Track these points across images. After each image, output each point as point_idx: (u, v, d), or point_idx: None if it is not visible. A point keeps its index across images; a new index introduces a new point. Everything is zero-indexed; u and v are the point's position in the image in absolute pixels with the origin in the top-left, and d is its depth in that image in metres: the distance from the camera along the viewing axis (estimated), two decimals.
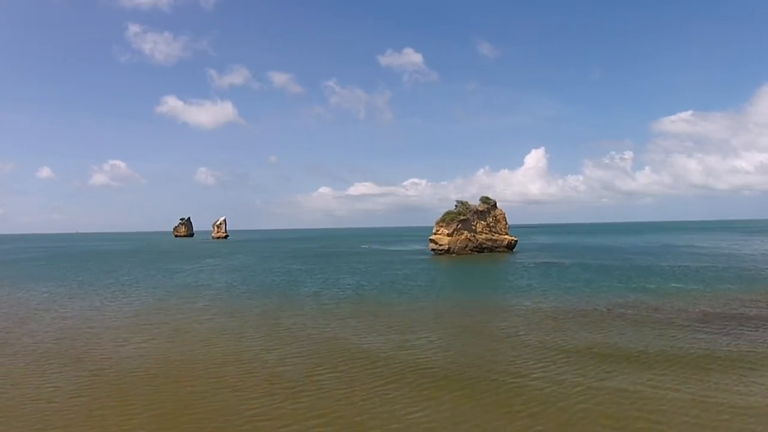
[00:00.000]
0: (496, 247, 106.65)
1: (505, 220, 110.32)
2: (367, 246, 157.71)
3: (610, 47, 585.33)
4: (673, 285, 51.19)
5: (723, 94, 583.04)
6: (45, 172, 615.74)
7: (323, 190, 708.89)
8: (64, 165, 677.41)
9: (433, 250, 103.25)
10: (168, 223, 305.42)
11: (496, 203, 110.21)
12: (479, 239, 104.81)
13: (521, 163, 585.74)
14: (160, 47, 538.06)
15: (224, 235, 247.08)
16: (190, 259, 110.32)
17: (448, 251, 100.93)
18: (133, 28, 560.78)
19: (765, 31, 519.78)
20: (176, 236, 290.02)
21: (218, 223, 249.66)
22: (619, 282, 54.29)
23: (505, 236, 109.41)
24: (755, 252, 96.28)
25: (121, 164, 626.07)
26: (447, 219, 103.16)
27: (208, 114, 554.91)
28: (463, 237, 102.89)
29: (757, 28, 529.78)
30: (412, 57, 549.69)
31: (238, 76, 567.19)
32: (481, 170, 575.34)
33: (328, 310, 40.95)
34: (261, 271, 75.86)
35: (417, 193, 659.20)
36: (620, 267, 71.30)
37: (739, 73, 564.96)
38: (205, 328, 35.39)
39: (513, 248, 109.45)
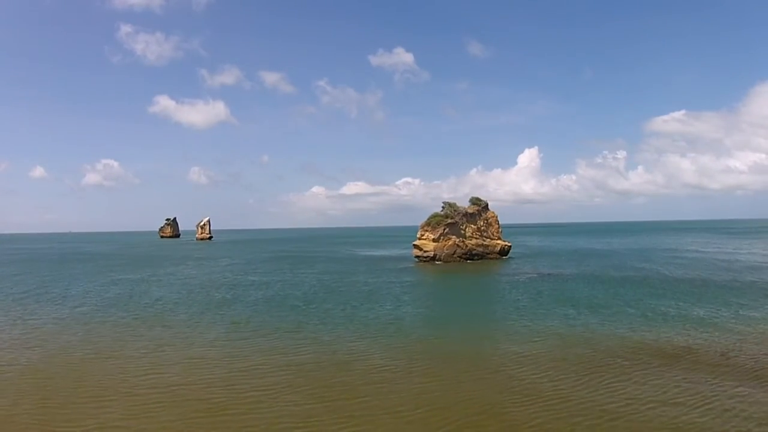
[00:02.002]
0: (488, 254, 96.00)
1: (498, 224, 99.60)
2: (349, 249, 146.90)
3: (602, 47, 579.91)
4: (697, 312, 40.35)
5: (716, 94, 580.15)
6: (38, 171, 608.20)
7: (316, 189, 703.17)
8: (57, 164, 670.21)
9: (417, 257, 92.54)
10: (161, 222, 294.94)
11: (487, 204, 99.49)
12: (469, 245, 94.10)
13: (514, 163, 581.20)
14: (151, 47, 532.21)
15: (208, 236, 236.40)
16: (151, 265, 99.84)
17: (433, 258, 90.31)
18: (125, 29, 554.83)
19: (758, 31, 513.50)
20: (162, 237, 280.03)
21: (202, 224, 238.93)
22: (629, 305, 43.58)
23: (498, 241, 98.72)
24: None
25: (114, 163, 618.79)
26: (433, 222, 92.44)
27: (200, 114, 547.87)
28: (450, 242, 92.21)
29: (750, 28, 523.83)
30: (403, 57, 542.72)
31: (229, 76, 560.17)
32: (474, 170, 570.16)
33: (223, 358, 30.02)
34: (209, 284, 65.22)
35: (410, 193, 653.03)
36: (625, 281, 60.59)
37: (732, 73, 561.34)
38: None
39: (506, 254, 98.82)
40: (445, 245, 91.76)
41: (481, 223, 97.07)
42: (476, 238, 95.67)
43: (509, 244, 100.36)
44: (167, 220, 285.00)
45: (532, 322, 37.21)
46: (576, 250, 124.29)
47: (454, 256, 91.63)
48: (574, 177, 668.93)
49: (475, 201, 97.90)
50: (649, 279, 62.29)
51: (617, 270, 74.00)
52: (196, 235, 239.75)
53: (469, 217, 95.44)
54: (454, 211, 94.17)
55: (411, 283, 61.65)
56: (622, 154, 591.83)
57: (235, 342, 33.73)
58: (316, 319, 40.62)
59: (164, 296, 55.83)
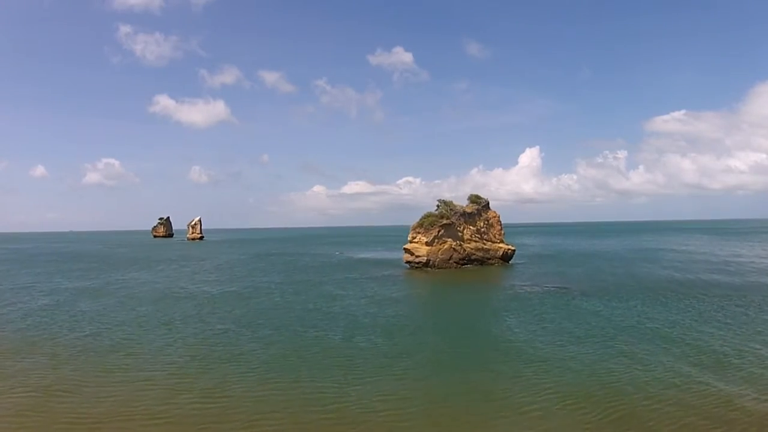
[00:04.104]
0: (488, 259, 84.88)
1: (500, 224, 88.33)
2: (340, 250, 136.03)
3: (602, 46, 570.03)
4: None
5: (716, 93, 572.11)
6: (39, 170, 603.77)
7: (317, 188, 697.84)
8: (58, 163, 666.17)
9: (408, 262, 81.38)
10: None
11: (488, 203, 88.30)
12: (467, 249, 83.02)
13: (515, 162, 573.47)
14: (150, 48, 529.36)
15: (199, 236, 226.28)
16: (116, 269, 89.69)
17: (426, 264, 79.30)
18: (124, 29, 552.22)
19: (758, 31, 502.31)
20: (155, 237, 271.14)
21: (193, 223, 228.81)
22: (665, 336, 32.23)
23: (500, 245, 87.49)
24: None
25: (115, 162, 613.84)
26: (426, 223, 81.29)
27: (200, 113, 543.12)
28: (446, 246, 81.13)
29: (750, 27, 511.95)
30: (402, 56, 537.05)
31: (229, 76, 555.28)
32: (475, 169, 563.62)
33: (56, 415, 19.54)
34: (152, 295, 54.34)
35: (411, 192, 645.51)
36: (647, 296, 48.88)
37: (733, 72, 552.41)
38: None
39: (509, 259, 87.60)
40: (439, 249, 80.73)
41: (481, 224, 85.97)
42: (475, 241, 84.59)
43: (513, 248, 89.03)
44: (160, 219, 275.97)
45: (531, 372, 25.71)
46: (581, 253, 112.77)
47: (450, 261, 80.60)
48: (574, 177, 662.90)
49: (474, 199, 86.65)
50: (678, 292, 50.84)
51: (633, 279, 62.56)
52: (187, 235, 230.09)
53: (468, 217, 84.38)
54: (451, 210, 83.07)
55: (389, 299, 50.43)
56: (622, 153, 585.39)
57: (95, 383, 23.44)
58: (234, 352, 29.95)
59: (85, 310, 46.18)
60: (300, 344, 31.79)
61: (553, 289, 56.08)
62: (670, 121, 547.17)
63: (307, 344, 31.75)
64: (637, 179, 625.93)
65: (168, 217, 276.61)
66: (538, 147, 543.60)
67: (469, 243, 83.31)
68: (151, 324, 39.66)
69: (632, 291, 52.77)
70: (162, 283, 66.55)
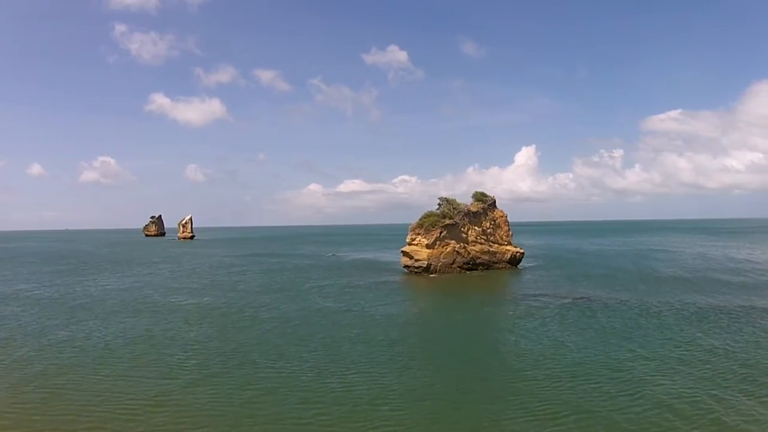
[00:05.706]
0: (495, 263, 77.62)
1: (507, 225, 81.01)
2: (333, 251, 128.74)
3: (598, 45, 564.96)
4: None
5: (713, 92, 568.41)
6: (35, 169, 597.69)
7: (313, 187, 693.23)
8: (55, 162, 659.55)
9: (406, 267, 74.11)
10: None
11: (494, 201, 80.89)
12: (471, 252, 75.68)
13: (511, 161, 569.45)
14: (146, 47, 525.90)
15: (190, 235, 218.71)
16: (87, 272, 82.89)
17: (427, 269, 71.99)
18: (120, 28, 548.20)
19: (755, 30, 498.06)
20: (147, 235, 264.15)
21: (183, 222, 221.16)
22: (720, 391, 25.15)
23: (507, 247, 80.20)
24: None
25: (111, 161, 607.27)
26: (426, 224, 73.94)
27: (196, 111, 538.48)
28: (449, 249, 73.78)
29: (747, 26, 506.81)
30: (397, 54, 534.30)
31: (224, 74, 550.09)
32: (471, 168, 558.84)
33: None
34: (116, 304, 47.10)
35: (407, 190, 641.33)
36: (680, 313, 41.79)
37: (729, 71, 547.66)
38: None
39: (518, 263, 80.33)
40: (441, 252, 73.36)
41: (487, 224, 78.60)
42: (481, 243, 77.24)
43: (521, 251, 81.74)
44: (152, 218, 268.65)
45: None
46: (587, 255, 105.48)
47: (454, 266, 73.26)
48: (571, 175, 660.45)
49: (479, 197, 79.24)
50: (714, 307, 43.40)
51: (654, 288, 55.01)
52: (178, 234, 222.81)
53: (472, 216, 76.99)
54: (454, 209, 75.64)
55: (379, 316, 42.62)
56: (618, 152, 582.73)
57: None
58: (170, 390, 23.04)
59: (26, 324, 40.14)
60: (255, 382, 24.62)
61: (570, 301, 48.73)
62: (667, 120, 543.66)
63: (263, 382, 24.58)
64: (634, 178, 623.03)
65: (159, 216, 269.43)
66: (534, 145, 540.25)
67: (474, 245, 76.02)
68: (92, 345, 32.76)
69: (658, 305, 45.38)
70: (129, 290, 59.18)
